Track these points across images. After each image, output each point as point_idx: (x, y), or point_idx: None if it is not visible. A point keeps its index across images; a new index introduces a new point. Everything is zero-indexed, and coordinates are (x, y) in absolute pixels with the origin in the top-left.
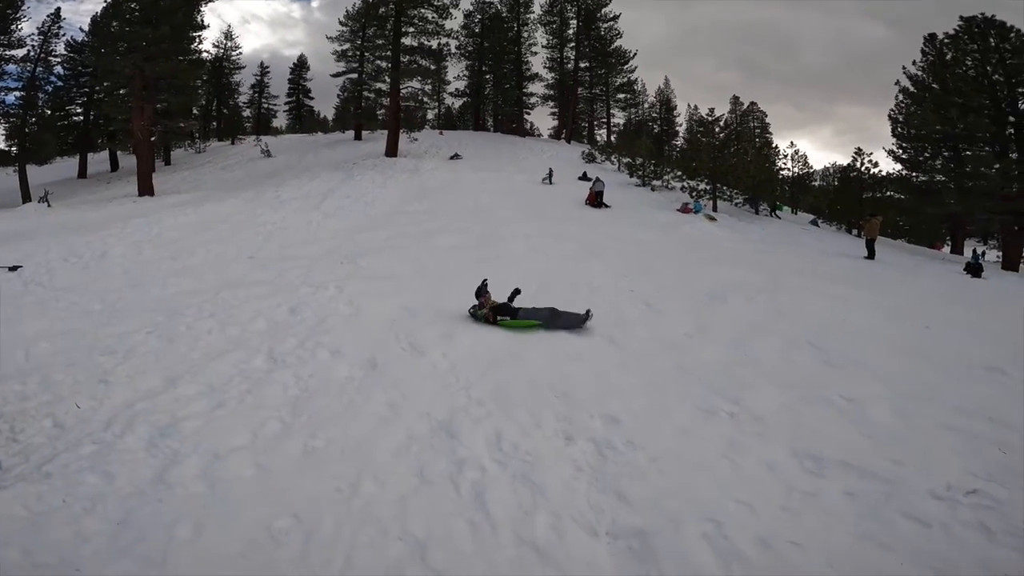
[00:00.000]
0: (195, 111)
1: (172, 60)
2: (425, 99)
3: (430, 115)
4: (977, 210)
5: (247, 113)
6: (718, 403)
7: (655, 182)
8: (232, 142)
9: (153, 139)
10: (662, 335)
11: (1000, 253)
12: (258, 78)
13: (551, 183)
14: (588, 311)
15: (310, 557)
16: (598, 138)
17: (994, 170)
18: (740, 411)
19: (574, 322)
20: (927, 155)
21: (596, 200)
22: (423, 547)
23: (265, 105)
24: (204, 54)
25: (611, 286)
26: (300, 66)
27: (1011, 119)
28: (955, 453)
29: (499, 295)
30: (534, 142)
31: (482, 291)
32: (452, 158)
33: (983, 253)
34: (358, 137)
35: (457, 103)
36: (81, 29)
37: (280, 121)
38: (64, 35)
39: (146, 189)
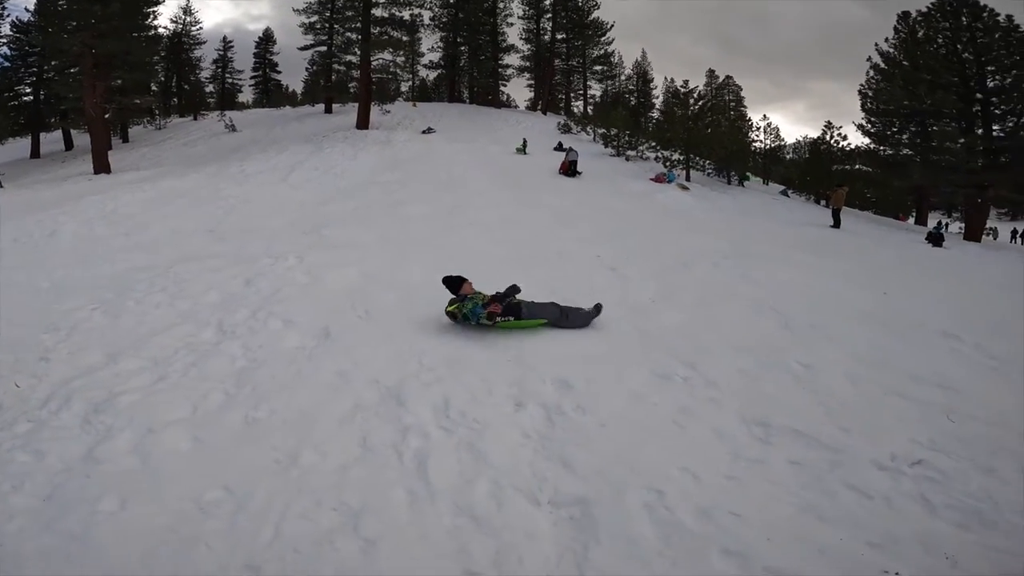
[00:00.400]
0: (154, 87)
1: (125, 37)
2: (398, 71)
3: (404, 87)
4: (942, 183)
5: (210, 89)
6: (674, 368)
7: (630, 152)
8: (195, 118)
9: (107, 116)
10: (626, 300)
11: (962, 225)
12: (221, 53)
13: (526, 153)
14: (598, 305)
15: (238, 528)
16: (575, 110)
17: (959, 144)
18: (695, 376)
19: (583, 320)
20: (895, 129)
21: (569, 169)
22: (357, 517)
23: (229, 80)
24: (161, 30)
25: (580, 253)
26: (266, 40)
27: (978, 96)
28: (904, 421)
29: (472, 269)
30: (509, 113)
31: (459, 284)
32: (425, 132)
33: (947, 225)
34: (328, 110)
35: (432, 75)
36: (27, 9)
37: (246, 96)
38: (8, 15)
39: (102, 167)
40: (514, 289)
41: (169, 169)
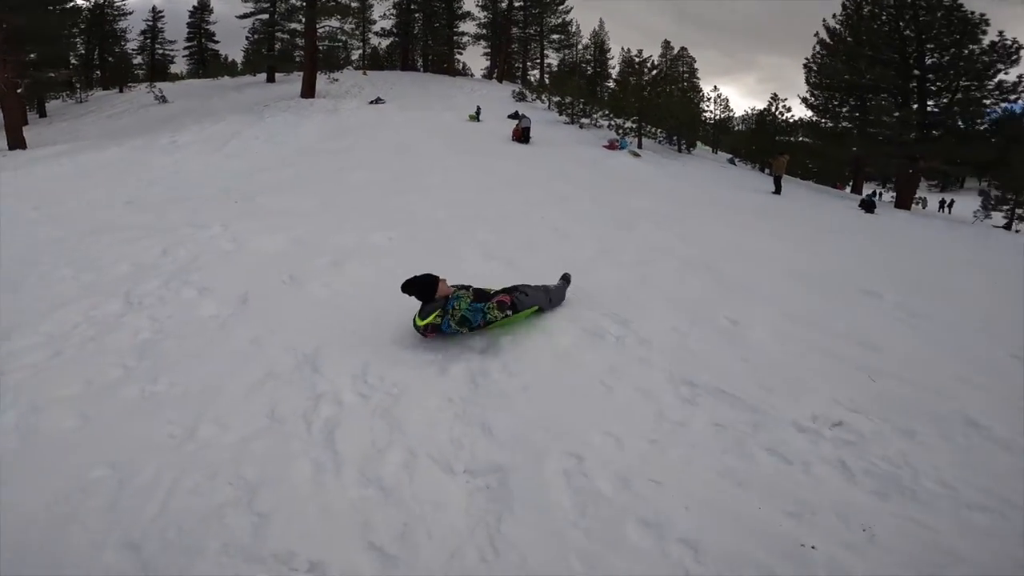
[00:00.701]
0: (73, 60)
1: (37, 11)
2: (347, 39)
3: (355, 55)
4: (877, 154)
5: (139, 60)
6: (606, 325)
7: (584, 120)
8: (120, 90)
9: (19, 91)
10: (565, 258)
11: (894, 194)
12: (149, 24)
13: (479, 121)
14: (566, 275)
15: (120, 506)
16: (531, 79)
17: (895, 118)
18: (627, 334)
19: (562, 295)
20: (836, 103)
21: (522, 136)
22: (253, 491)
23: (160, 51)
24: (80, 2)
25: (526, 215)
26: (201, 8)
27: (915, 72)
28: (826, 379)
29: (414, 232)
30: (465, 82)
31: (428, 288)
32: (373, 103)
33: (880, 194)
34: (271, 79)
35: (384, 43)
36: None
37: (180, 67)
38: None
39: (17, 142)
40: (515, 289)
41: (91, 143)
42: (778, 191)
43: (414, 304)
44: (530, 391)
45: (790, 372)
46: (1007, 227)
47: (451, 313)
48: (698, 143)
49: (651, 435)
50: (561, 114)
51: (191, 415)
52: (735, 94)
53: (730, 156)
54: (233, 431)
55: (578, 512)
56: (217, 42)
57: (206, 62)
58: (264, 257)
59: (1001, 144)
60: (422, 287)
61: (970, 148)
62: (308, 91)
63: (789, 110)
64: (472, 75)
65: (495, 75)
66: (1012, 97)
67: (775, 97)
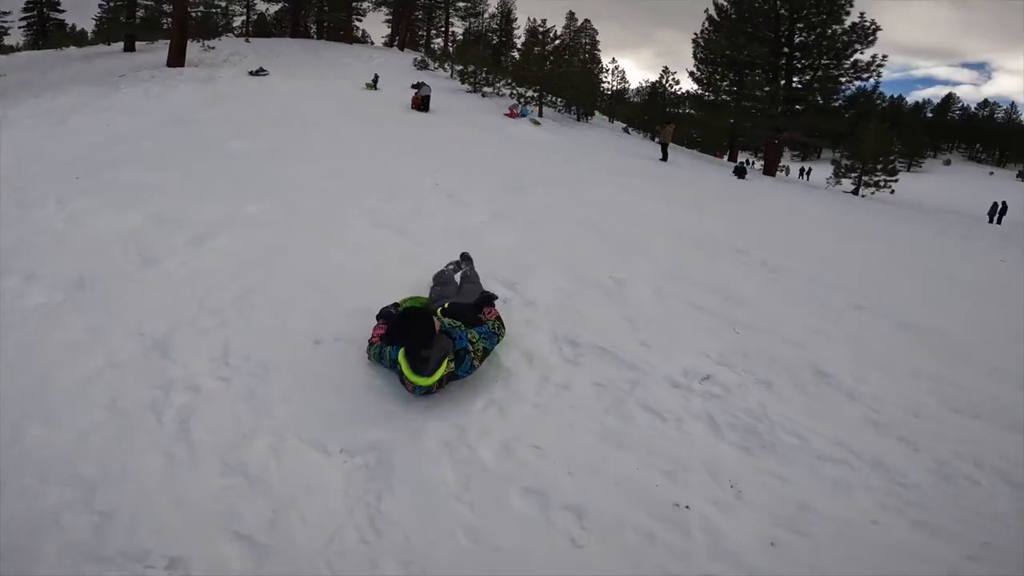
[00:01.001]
0: None
1: None
2: (225, 3)
3: (237, 22)
4: (749, 125)
5: None
6: (493, 288)
7: (486, 89)
8: None
9: None
10: (457, 224)
11: (762, 162)
12: None
13: (377, 89)
14: (465, 254)
15: None
16: (435, 47)
17: (764, 92)
18: (513, 296)
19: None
20: (718, 77)
21: (422, 104)
22: (92, 490)
23: None
24: None
25: (419, 181)
26: None
27: (785, 50)
28: (696, 333)
29: (296, 202)
30: (363, 49)
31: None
32: (255, 73)
33: (751, 162)
34: (130, 49)
35: (273, 8)
36: None
37: (15, 38)
38: None
39: None
40: (491, 294)
41: None
42: (665, 158)
43: (302, 271)
44: None
45: (666, 328)
46: (854, 192)
47: (471, 351)
48: (596, 112)
49: (534, 399)
50: (464, 83)
51: (15, 415)
52: (633, 67)
53: (625, 125)
54: (66, 428)
55: (461, 485)
56: (62, 11)
57: (48, 33)
58: (109, 236)
59: (852, 118)
60: (418, 332)
61: (826, 121)
62: (177, 60)
63: (678, 83)
64: (372, 43)
65: (397, 43)
66: (865, 76)
67: (666, 71)
